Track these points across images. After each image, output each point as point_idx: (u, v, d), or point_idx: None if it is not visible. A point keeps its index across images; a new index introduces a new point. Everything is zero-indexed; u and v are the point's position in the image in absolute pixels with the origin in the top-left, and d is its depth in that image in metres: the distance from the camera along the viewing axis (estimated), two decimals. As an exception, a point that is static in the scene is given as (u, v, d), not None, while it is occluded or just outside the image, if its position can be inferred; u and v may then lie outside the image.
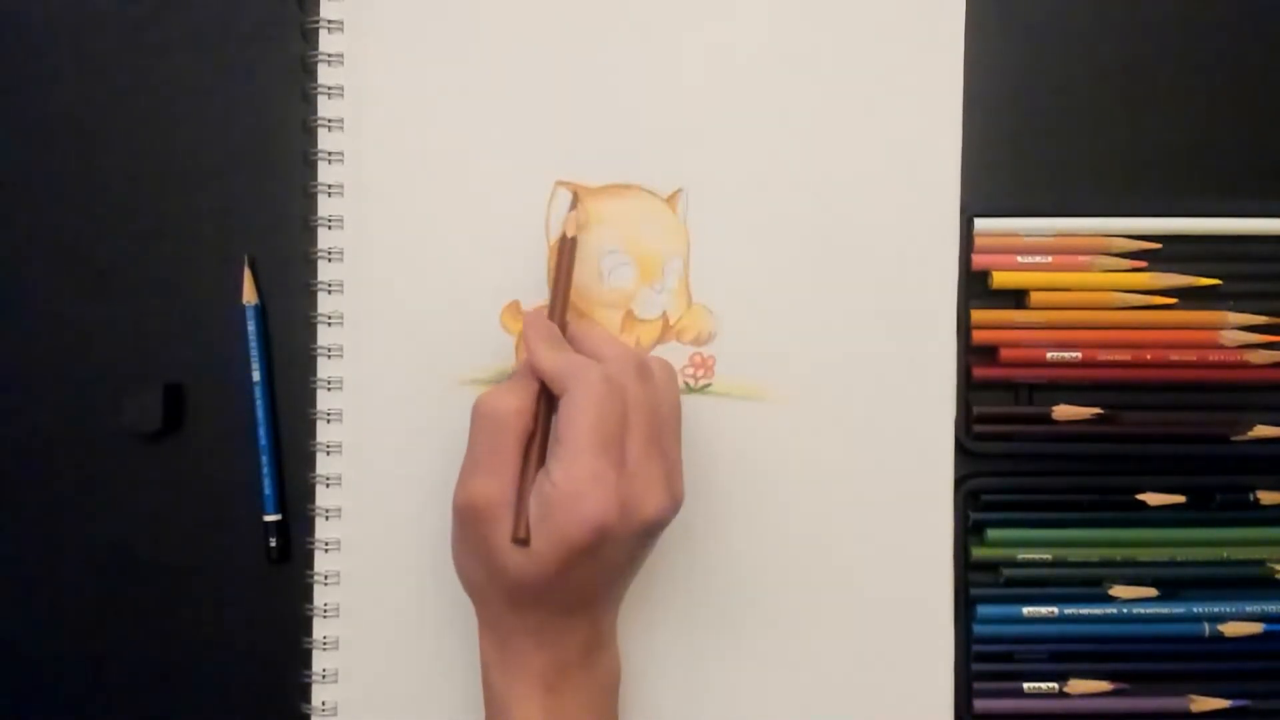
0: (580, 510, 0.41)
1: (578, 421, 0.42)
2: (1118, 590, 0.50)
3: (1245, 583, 0.50)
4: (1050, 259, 0.50)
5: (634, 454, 0.43)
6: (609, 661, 0.46)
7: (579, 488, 0.41)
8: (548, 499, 0.42)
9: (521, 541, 0.42)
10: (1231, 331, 0.50)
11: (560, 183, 0.50)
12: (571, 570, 0.42)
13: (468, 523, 0.43)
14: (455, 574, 0.46)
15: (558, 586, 0.43)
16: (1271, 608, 0.50)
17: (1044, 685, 0.50)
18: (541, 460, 0.44)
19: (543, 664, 0.44)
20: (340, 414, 0.50)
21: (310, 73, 0.50)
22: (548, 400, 0.45)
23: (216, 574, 0.51)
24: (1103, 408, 0.50)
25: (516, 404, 0.44)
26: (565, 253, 0.48)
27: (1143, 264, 0.50)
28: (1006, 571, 0.50)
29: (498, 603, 0.44)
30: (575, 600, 0.44)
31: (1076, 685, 0.50)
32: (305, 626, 0.50)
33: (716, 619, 0.50)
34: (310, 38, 0.50)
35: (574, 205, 0.49)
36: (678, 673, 0.50)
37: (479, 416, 0.44)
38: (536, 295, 0.50)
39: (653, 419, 0.43)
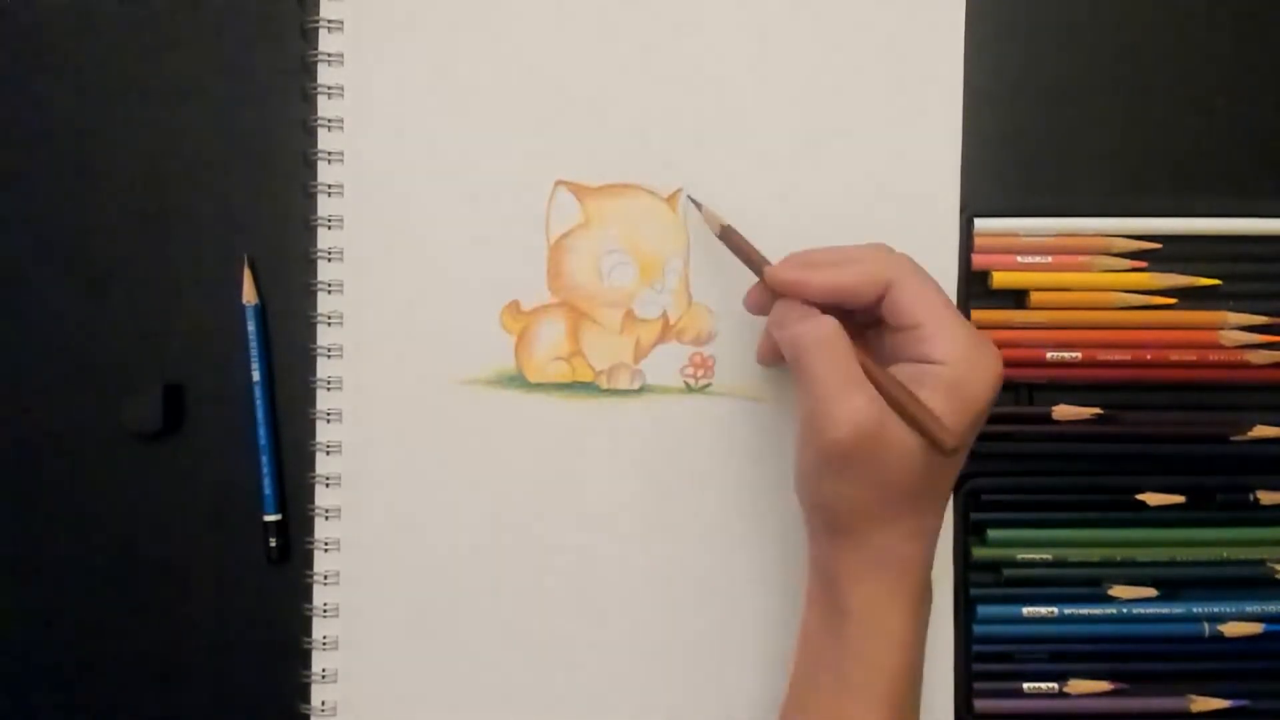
0: (983, 374, 0.41)
1: (928, 297, 0.42)
2: (1117, 590, 0.50)
3: (1245, 583, 0.50)
4: (1050, 259, 0.50)
5: None
6: None
7: (971, 354, 0.41)
8: (949, 379, 0.41)
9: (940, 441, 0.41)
10: (1231, 331, 0.50)
11: (560, 182, 0.50)
12: (971, 440, 0.42)
13: (858, 449, 0.41)
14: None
15: (958, 463, 0.43)
16: (1271, 608, 0.50)
17: (1044, 685, 0.50)
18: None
19: (923, 571, 0.43)
20: (340, 414, 0.50)
21: (310, 73, 0.50)
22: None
23: (216, 574, 0.51)
24: (1103, 408, 0.50)
25: (836, 322, 0.43)
26: (736, 237, 0.47)
27: (1143, 264, 0.50)
28: (1006, 571, 0.50)
29: (891, 512, 0.42)
30: (953, 478, 0.44)
31: (1076, 685, 0.50)
32: (305, 626, 0.50)
33: (716, 618, 0.50)
34: (310, 38, 0.50)
35: (699, 206, 0.49)
36: (676, 670, 0.50)
37: (818, 346, 0.42)
38: (536, 295, 0.50)
39: None
